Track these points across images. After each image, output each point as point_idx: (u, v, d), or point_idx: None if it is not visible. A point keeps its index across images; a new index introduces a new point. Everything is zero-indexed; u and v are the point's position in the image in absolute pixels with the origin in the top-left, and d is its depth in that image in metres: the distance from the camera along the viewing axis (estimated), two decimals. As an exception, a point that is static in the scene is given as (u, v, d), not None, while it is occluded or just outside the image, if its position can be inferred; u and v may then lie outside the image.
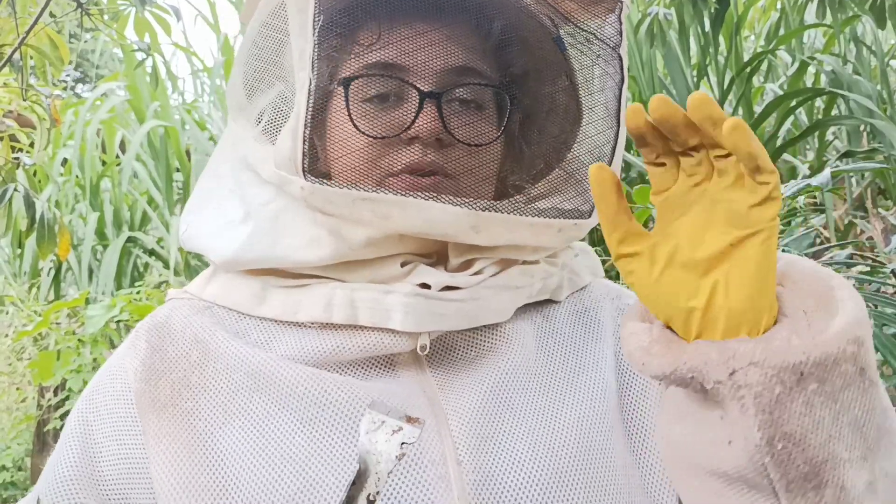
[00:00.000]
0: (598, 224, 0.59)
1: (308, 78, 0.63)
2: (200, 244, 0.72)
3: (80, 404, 0.70)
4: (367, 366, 0.66)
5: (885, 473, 0.52)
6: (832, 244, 1.44)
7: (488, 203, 0.64)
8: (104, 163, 4.30)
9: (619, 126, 0.70)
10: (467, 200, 0.63)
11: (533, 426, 0.64)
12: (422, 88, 0.66)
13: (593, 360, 0.70)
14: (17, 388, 3.31)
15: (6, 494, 3.55)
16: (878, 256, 1.59)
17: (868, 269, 1.32)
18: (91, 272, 3.87)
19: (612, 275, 1.90)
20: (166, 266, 3.82)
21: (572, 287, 0.76)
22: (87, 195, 4.06)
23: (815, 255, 1.26)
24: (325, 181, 0.64)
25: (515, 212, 0.65)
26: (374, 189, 0.63)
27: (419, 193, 0.63)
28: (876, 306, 1.24)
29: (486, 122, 0.69)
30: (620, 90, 0.70)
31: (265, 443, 0.61)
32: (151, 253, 4.05)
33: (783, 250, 1.19)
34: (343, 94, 0.67)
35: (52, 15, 2.07)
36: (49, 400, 3.04)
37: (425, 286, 0.65)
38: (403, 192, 0.63)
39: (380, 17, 0.68)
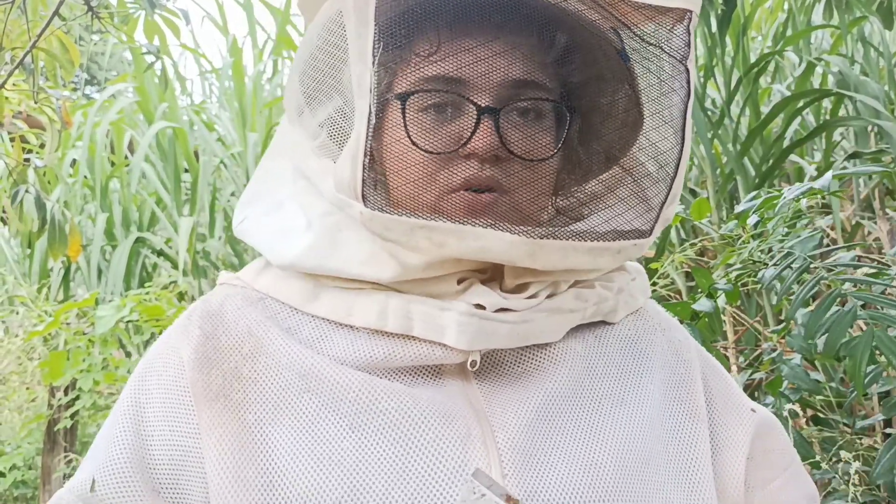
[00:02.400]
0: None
1: (367, 106, 0.63)
2: (256, 241, 0.73)
3: (132, 385, 0.71)
4: (414, 373, 0.67)
5: None
6: (838, 246, 1.45)
7: (545, 231, 0.64)
8: (113, 164, 4.33)
9: (683, 141, 0.68)
10: (524, 228, 0.63)
11: (576, 448, 0.64)
12: (479, 103, 0.65)
13: (638, 393, 0.71)
14: (28, 388, 3.34)
15: (17, 493, 3.57)
16: (884, 258, 1.59)
17: (874, 270, 1.32)
18: (100, 272, 3.90)
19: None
20: (175, 266, 3.84)
21: (627, 309, 0.76)
22: (97, 196, 4.08)
23: (821, 257, 1.26)
24: (384, 209, 0.64)
25: (574, 237, 0.65)
26: (430, 217, 0.63)
27: (476, 220, 0.63)
28: (881, 308, 1.24)
29: (544, 136, 0.68)
30: (686, 104, 0.68)
31: (313, 444, 0.62)
32: (160, 253, 4.07)
33: (788, 252, 1.20)
34: (401, 109, 0.67)
35: (61, 17, 2.09)
36: (59, 399, 3.06)
37: (480, 306, 0.65)
38: (461, 219, 0.63)
39: (439, 29, 0.67)
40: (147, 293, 2.61)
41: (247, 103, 4.33)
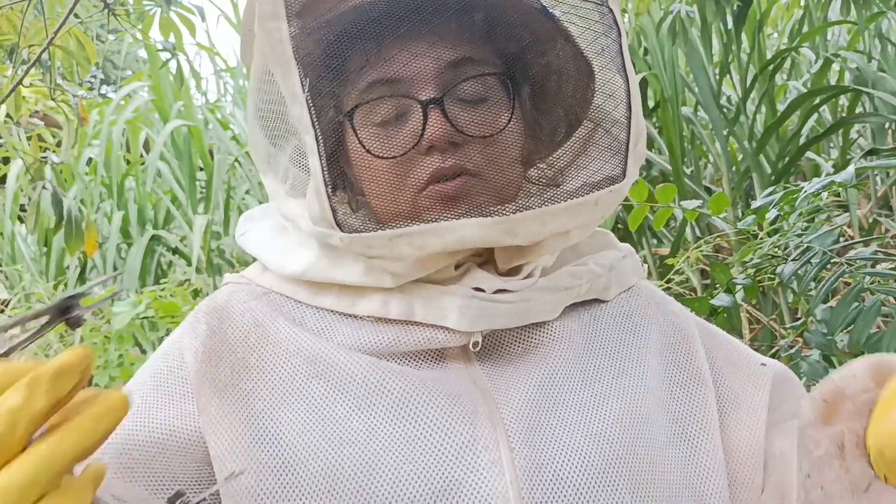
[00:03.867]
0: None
1: (314, 140, 0.65)
2: (258, 254, 0.76)
3: (134, 381, 0.71)
4: (420, 357, 0.69)
5: None
6: (856, 240, 1.44)
7: (517, 205, 0.65)
8: (128, 162, 4.35)
9: (628, 80, 0.69)
10: (495, 209, 0.64)
11: (579, 419, 0.66)
12: (421, 97, 0.67)
13: (637, 362, 0.72)
14: (44, 384, 3.35)
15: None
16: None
17: (893, 265, 1.31)
18: (115, 270, 3.92)
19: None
20: (189, 264, 3.86)
21: (620, 287, 0.78)
22: (113, 194, 4.11)
23: (840, 252, 1.25)
24: (360, 229, 0.66)
25: (546, 202, 0.66)
26: (405, 224, 0.65)
27: (449, 214, 0.65)
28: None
29: (494, 110, 0.69)
30: (619, 44, 0.69)
31: (323, 425, 0.64)
32: (175, 251, 4.09)
33: (807, 247, 1.19)
34: (351, 126, 0.69)
35: (76, 16, 2.10)
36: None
37: (479, 289, 0.67)
38: (435, 217, 0.65)
39: (363, 41, 0.69)
40: (163, 289, 2.62)
41: (261, 101, 4.33)
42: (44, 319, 0.47)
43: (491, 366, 0.69)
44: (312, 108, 0.65)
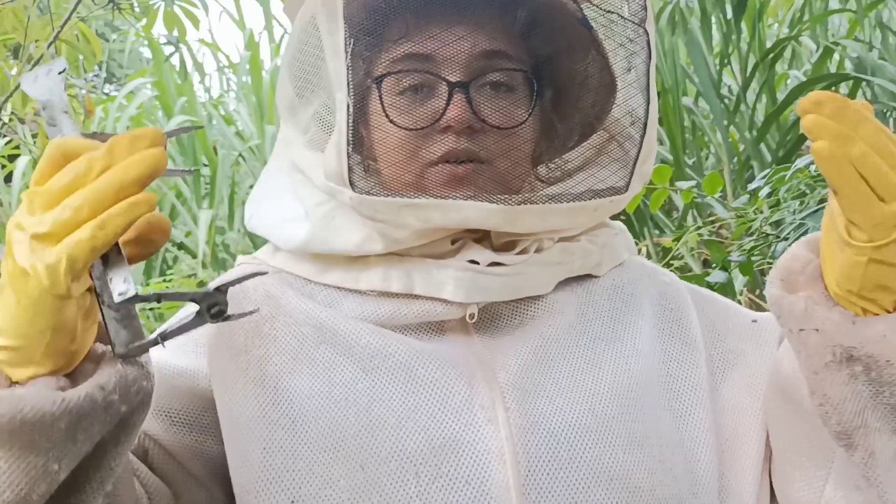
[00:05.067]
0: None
1: (345, 99, 0.68)
2: (263, 232, 0.80)
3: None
4: (420, 330, 0.72)
5: None
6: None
7: (522, 197, 0.69)
8: (133, 158, 4.37)
9: (649, 101, 0.73)
10: (502, 197, 0.68)
11: (572, 382, 0.69)
12: (450, 78, 0.70)
13: (630, 330, 0.75)
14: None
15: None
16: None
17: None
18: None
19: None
20: (194, 258, 3.89)
21: (612, 263, 0.80)
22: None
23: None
24: (371, 192, 0.69)
25: (550, 201, 0.70)
26: (414, 195, 0.69)
27: (456, 193, 0.69)
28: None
29: (515, 105, 0.73)
30: (648, 65, 0.73)
31: (330, 388, 0.68)
32: (180, 246, 4.12)
33: (800, 223, 1.20)
34: (377, 93, 0.72)
35: (79, 16, 2.12)
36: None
37: (474, 262, 0.71)
38: (443, 193, 0.69)
39: (406, 17, 0.72)
40: (170, 281, 2.65)
41: (264, 97, 4.36)
42: (192, 308, 0.55)
43: (488, 338, 0.72)
44: (351, 68, 0.68)
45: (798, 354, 0.62)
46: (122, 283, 0.53)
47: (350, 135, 0.68)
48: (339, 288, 0.74)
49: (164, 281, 3.14)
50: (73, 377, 0.54)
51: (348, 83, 0.68)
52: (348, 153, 0.68)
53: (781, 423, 0.71)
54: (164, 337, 0.54)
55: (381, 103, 0.72)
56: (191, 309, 0.74)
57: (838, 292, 0.60)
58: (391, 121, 0.71)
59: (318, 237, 0.73)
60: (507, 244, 0.73)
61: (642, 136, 0.73)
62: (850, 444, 0.61)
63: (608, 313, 0.76)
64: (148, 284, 3.09)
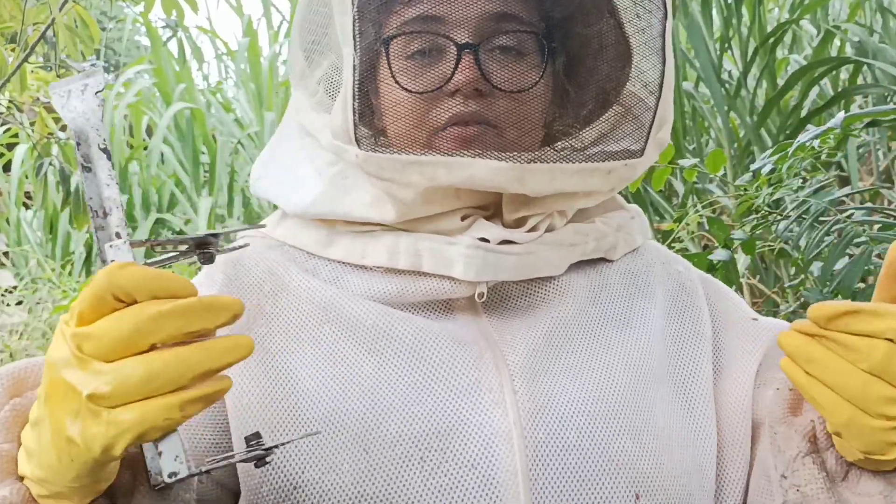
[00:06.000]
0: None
1: (352, 54, 0.67)
2: (270, 194, 0.78)
3: None
4: (428, 308, 0.70)
5: None
6: (852, 206, 1.45)
7: (532, 155, 0.66)
8: (131, 146, 4.37)
9: (664, 62, 0.70)
10: (509, 154, 0.65)
11: (582, 368, 0.68)
12: (458, 40, 0.68)
13: (642, 318, 0.74)
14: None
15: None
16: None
17: (890, 220, 1.32)
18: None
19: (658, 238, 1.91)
20: (194, 246, 3.88)
21: (627, 247, 0.78)
22: (118, 178, 4.13)
23: (834, 202, 1.25)
24: (376, 149, 0.67)
25: (561, 160, 0.67)
26: (420, 152, 0.66)
27: (464, 151, 0.66)
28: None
29: (525, 68, 0.70)
30: (664, 25, 0.70)
31: (334, 368, 0.66)
32: (180, 234, 4.12)
33: (802, 201, 1.20)
34: (385, 54, 0.70)
35: (76, 1, 2.11)
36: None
37: (484, 240, 0.68)
38: (449, 152, 0.66)
39: None
40: (169, 268, 2.65)
41: (263, 84, 4.36)
42: (182, 248, 0.52)
43: (497, 318, 0.70)
44: (358, 22, 0.66)
45: (776, 491, 0.62)
46: (174, 462, 0.47)
47: (356, 89, 0.66)
48: (344, 263, 0.72)
49: (164, 268, 3.13)
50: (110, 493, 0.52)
51: (354, 38, 0.66)
52: (354, 109, 0.66)
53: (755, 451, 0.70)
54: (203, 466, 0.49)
55: (389, 66, 0.70)
56: (205, 284, 0.74)
57: (833, 431, 0.56)
58: (399, 84, 0.69)
59: (329, 195, 0.71)
60: (518, 222, 0.71)
61: (658, 99, 0.70)
62: None
63: (621, 299, 0.74)
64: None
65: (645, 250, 0.81)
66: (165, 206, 4.24)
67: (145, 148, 4.26)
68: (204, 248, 0.52)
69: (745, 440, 0.70)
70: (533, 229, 0.70)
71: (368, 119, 0.73)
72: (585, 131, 0.74)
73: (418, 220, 0.70)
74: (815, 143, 1.28)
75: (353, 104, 0.67)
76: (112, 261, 0.49)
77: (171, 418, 0.44)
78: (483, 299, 0.70)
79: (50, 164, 1.81)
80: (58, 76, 1.88)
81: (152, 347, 0.45)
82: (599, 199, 0.74)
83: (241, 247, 0.58)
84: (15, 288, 3.69)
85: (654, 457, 0.65)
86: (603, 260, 0.77)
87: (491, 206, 0.71)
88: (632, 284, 0.76)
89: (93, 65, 0.55)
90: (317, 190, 0.72)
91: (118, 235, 0.51)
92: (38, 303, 3.46)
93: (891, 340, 0.51)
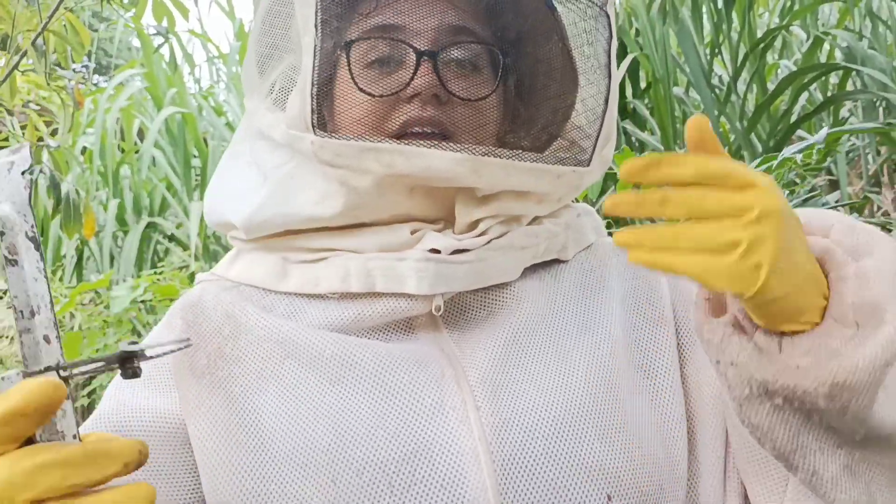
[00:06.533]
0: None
1: (312, 41, 0.67)
2: (222, 211, 0.76)
3: (116, 378, 0.73)
4: (388, 330, 0.70)
5: (877, 463, 0.57)
6: (838, 205, 1.45)
7: (487, 149, 0.68)
8: (123, 150, 4.36)
9: (609, 80, 0.74)
10: (466, 146, 0.67)
11: (544, 374, 0.67)
12: (418, 47, 0.70)
13: (600, 315, 0.73)
14: (44, 371, 3.36)
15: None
16: (889, 223, 1.59)
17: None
18: (112, 258, 3.94)
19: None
20: (186, 250, 3.88)
21: (578, 246, 0.79)
22: (108, 182, 4.12)
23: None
24: (333, 135, 0.68)
25: (514, 157, 0.68)
26: (378, 140, 0.67)
27: (421, 142, 0.67)
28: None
29: (481, 79, 0.73)
30: (609, 45, 0.74)
31: (298, 403, 0.66)
32: (171, 238, 4.11)
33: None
34: (346, 59, 0.72)
35: (67, 7, 2.10)
36: (76, 379, 3.08)
37: (435, 251, 0.68)
38: (407, 142, 0.67)
39: None
40: (161, 273, 2.64)
41: (254, 88, 4.34)
42: (101, 365, 0.48)
43: (458, 332, 0.70)
44: (320, 12, 0.67)
45: (721, 386, 0.60)
46: None
47: (315, 76, 0.67)
48: (299, 295, 0.72)
49: (155, 273, 3.13)
50: None
51: (316, 26, 0.67)
52: (312, 95, 0.67)
53: (734, 427, 0.68)
54: None
55: (350, 69, 0.71)
56: (164, 332, 0.73)
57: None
58: (357, 86, 0.70)
59: (275, 198, 0.71)
60: (470, 227, 0.71)
61: (604, 112, 0.73)
62: (789, 466, 0.58)
63: (578, 299, 0.75)
64: (139, 276, 3.08)
65: (599, 246, 0.81)
66: (157, 209, 4.23)
67: (137, 152, 4.25)
68: (128, 364, 0.48)
69: (714, 421, 0.70)
70: (482, 234, 0.71)
71: (327, 109, 0.74)
72: (537, 136, 0.78)
73: (366, 234, 0.70)
74: (799, 157, 1.29)
75: (312, 90, 0.67)
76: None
77: None
78: (440, 313, 0.70)
79: (41, 171, 1.80)
80: (48, 83, 1.87)
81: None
82: (550, 207, 0.76)
83: (171, 352, 0.54)
84: (5, 292, 3.68)
85: (624, 455, 0.64)
86: (557, 261, 0.77)
87: (440, 221, 0.72)
88: (588, 281, 0.77)
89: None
90: (263, 194, 0.72)
91: (46, 339, 0.46)
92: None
93: (699, 184, 0.52)
